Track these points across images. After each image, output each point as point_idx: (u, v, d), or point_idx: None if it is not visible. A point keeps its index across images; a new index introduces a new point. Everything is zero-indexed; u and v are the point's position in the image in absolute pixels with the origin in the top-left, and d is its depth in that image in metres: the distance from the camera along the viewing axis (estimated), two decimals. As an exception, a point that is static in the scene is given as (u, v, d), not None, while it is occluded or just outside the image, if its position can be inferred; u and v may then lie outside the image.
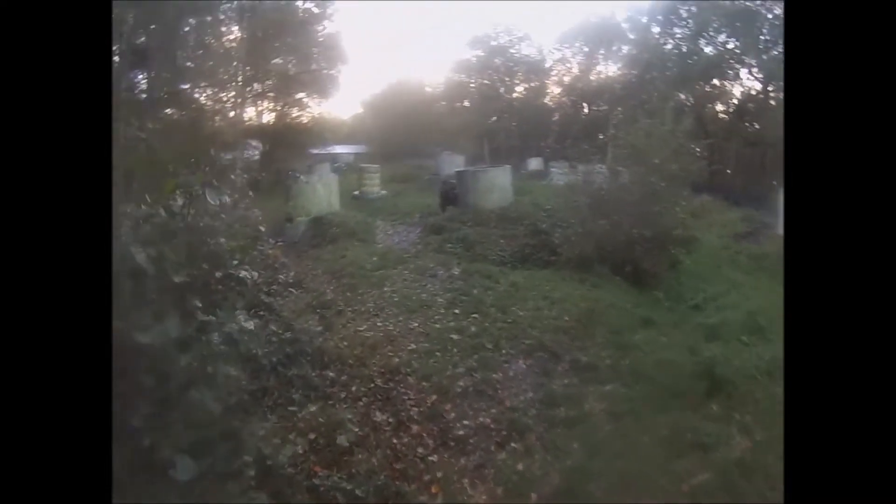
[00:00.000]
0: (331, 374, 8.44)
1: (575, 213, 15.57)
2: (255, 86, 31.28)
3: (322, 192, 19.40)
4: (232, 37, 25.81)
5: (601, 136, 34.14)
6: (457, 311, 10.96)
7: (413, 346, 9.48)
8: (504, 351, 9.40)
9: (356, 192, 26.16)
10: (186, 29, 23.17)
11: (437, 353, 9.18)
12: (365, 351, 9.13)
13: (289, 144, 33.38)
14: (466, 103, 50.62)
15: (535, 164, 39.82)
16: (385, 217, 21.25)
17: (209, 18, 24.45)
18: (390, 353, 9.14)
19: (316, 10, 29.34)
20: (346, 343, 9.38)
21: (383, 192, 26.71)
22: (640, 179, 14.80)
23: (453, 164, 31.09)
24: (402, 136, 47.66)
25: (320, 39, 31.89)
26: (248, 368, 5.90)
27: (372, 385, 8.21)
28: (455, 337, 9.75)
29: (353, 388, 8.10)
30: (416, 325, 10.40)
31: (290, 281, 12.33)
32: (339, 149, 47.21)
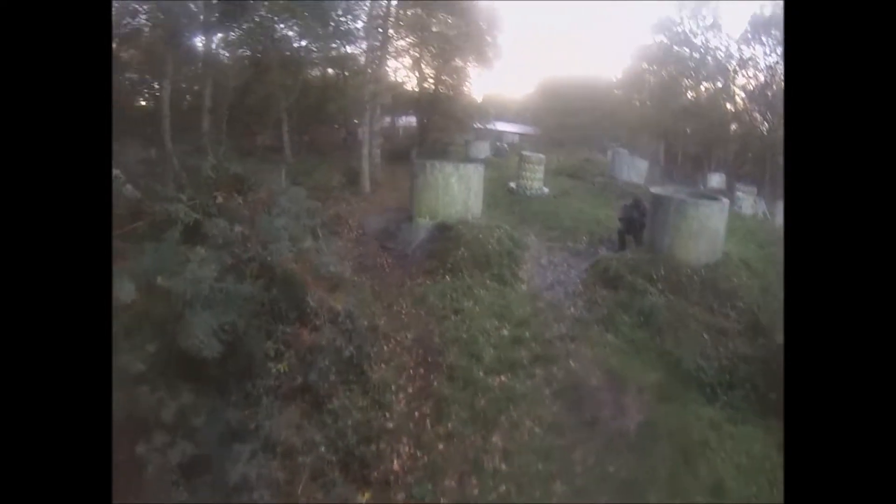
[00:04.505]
0: None
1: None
2: (412, 51, 25.42)
3: (457, 189, 12.51)
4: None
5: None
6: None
7: None
8: None
9: (512, 185, 19.20)
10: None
11: None
12: None
13: (446, 114, 26.98)
14: (644, 96, 40.41)
15: (716, 180, 30.15)
16: (541, 231, 14.12)
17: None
18: None
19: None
20: None
21: (545, 189, 19.31)
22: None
23: (632, 167, 23.55)
24: (573, 123, 39.27)
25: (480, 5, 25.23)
26: None
27: None
28: None
29: None
30: None
31: (331, 358, 6.73)
32: (503, 126, 39.93)
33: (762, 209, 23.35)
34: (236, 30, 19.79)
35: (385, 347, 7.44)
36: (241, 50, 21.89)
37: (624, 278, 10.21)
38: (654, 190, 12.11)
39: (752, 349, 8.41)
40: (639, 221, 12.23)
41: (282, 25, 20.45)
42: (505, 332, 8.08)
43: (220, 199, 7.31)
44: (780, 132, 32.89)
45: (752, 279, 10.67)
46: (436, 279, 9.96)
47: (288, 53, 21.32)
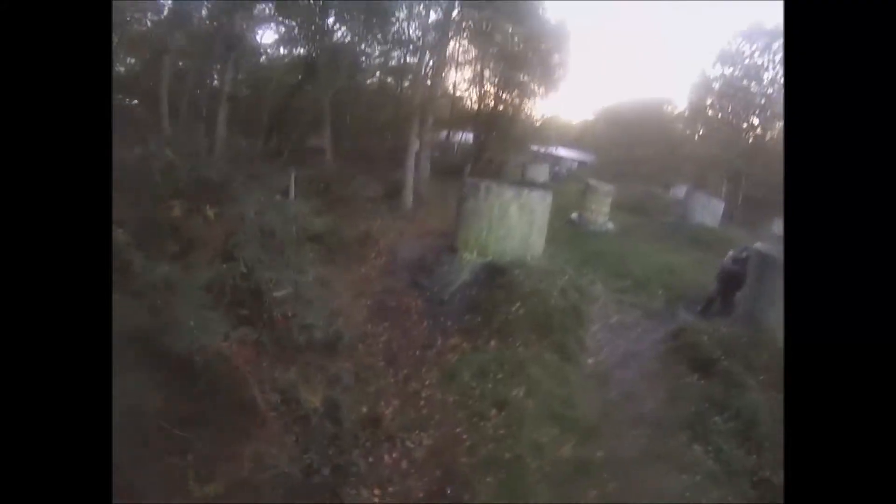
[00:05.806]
0: None
1: None
2: (476, 63, 24.44)
3: (516, 220, 9.72)
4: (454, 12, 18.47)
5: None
6: None
7: None
8: None
9: (574, 216, 16.80)
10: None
11: None
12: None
13: (504, 133, 24.86)
14: (707, 131, 36.48)
15: (779, 226, 26.72)
16: (607, 278, 11.07)
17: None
18: None
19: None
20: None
21: (610, 224, 16.85)
22: None
23: (707, 208, 20.37)
24: (635, 155, 36.30)
25: (548, 23, 23.48)
26: None
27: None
28: None
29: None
30: None
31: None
32: (563, 152, 37.22)
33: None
34: (293, 29, 19.24)
35: (385, 458, 4.94)
36: (297, 49, 20.49)
37: (718, 362, 7.47)
38: (760, 246, 9.31)
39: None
40: (740, 281, 9.42)
41: (339, 28, 19.51)
42: (567, 452, 5.41)
43: (176, 212, 5.10)
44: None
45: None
46: (477, 344, 7.30)
47: (346, 58, 19.71)
